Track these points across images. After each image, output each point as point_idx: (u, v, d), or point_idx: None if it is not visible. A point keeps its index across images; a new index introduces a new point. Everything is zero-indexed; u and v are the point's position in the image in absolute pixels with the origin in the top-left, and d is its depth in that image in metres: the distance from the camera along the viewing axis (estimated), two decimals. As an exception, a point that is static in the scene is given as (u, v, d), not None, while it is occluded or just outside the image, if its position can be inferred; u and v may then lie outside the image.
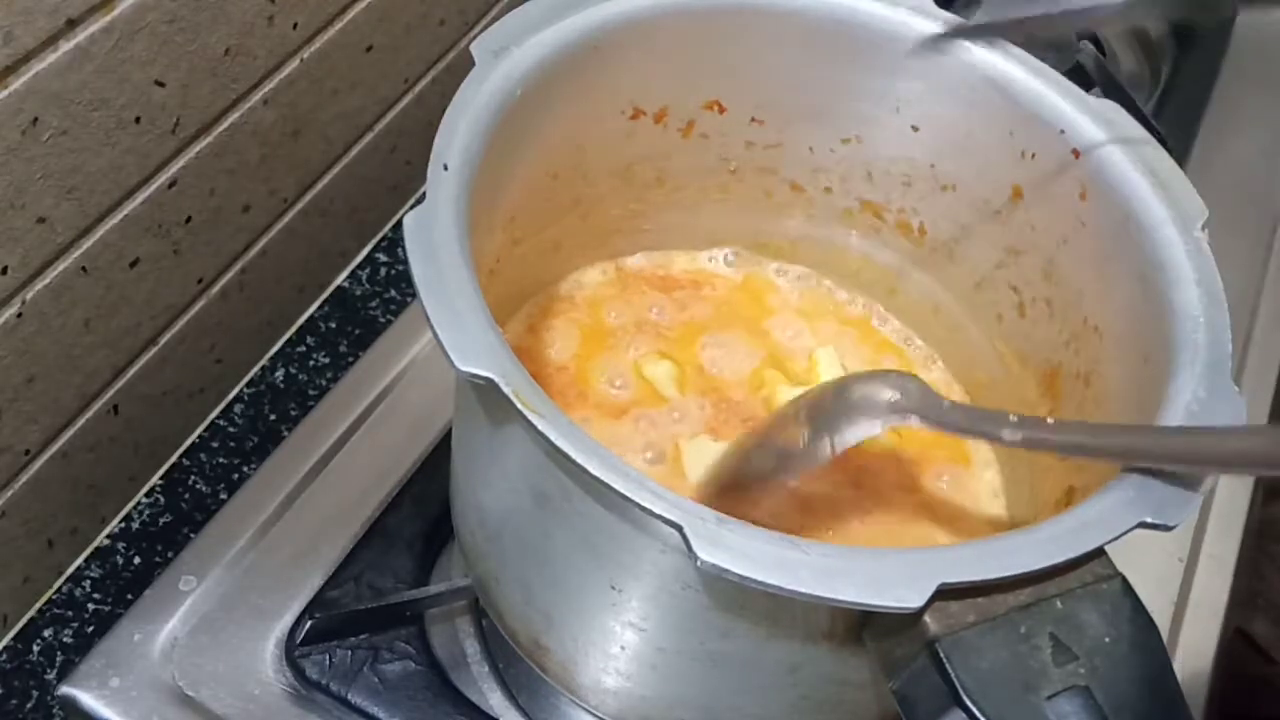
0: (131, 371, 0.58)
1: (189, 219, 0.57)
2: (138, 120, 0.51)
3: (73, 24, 0.46)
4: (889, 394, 0.41)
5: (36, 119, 0.46)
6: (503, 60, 0.43)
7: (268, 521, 0.56)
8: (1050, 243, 0.48)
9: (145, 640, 0.52)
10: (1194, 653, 0.58)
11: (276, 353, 0.68)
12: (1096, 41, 0.82)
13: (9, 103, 0.45)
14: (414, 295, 0.36)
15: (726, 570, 0.32)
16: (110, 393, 0.57)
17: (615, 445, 0.50)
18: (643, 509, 0.33)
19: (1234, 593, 0.61)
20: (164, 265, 0.57)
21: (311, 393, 0.67)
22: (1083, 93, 0.47)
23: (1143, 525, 0.35)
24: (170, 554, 0.58)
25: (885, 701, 0.38)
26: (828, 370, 0.53)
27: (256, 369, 0.67)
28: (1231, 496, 0.64)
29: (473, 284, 0.37)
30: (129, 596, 0.58)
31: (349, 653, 0.52)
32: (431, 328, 0.35)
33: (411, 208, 0.38)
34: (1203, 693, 0.57)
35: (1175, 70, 0.85)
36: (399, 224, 0.35)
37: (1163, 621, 0.58)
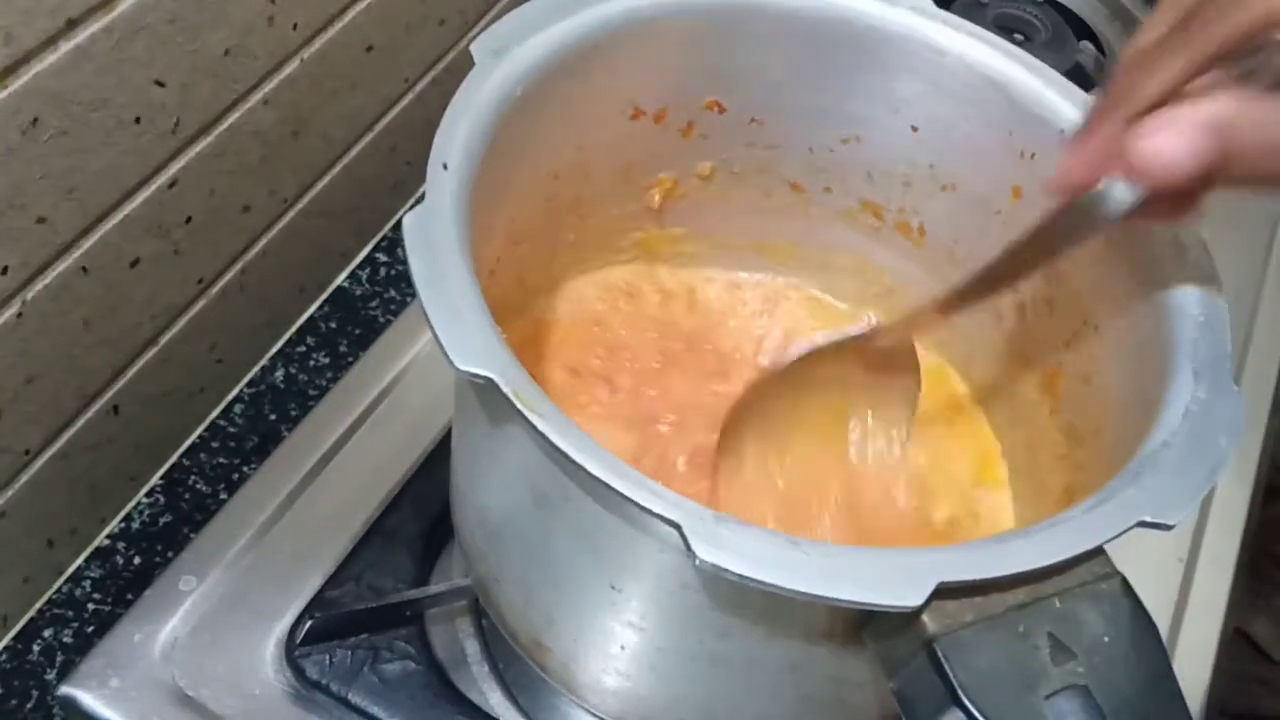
0: (132, 371, 0.58)
1: (189, 219, 0.57)
2: (138, 120, 0.51)
3: (73, 24, 0.46)
4: None
5: (36, 119, 0.46)
6: (503, 60, 0.43)
7: (268, 521, 0.56)
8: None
9: (145, 640, 0.52)
10: (1194, 653, 0.58)
11: (277, 353, 0.68)
12: (1096, 41, 0.82)
13: (9, 103, 0.45)
14: (414, 295, 0.36)
15: (725, 569, 0.32)
16: (110, 393, 0.57)
17: (613, 444, 0.50)
18: (641, 508, 0.33)
19: (1234, 593, 0.61)
20: (164, 265, 0.57)
21: (312, 393, 0.67)
22: (1083, 93, 0.47)
23: (1142, 525, 0.35)
24: (170, 554, 0.58)
25: (885, 701, 0.38)
26: None
27: (257, 369, 0.67)
28: (1231, 497, 0.64)
29: (472, 283, 0.37)
30: (129, 596, 0.58)
31: (349, 653, 0.52)
32: (431, 327, 0.35)
33: (411, 208, 0.38)
34: (1203, 693, 0.57)
35: (1175, 70, 0.85)
36: (399, 224, 0.35)
37: (1163, 622, 0.58)
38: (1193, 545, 0.62)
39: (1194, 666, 0.58)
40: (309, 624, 0.53)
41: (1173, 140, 0.33)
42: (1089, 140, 0.37)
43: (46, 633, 0.57)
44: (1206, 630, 0.59)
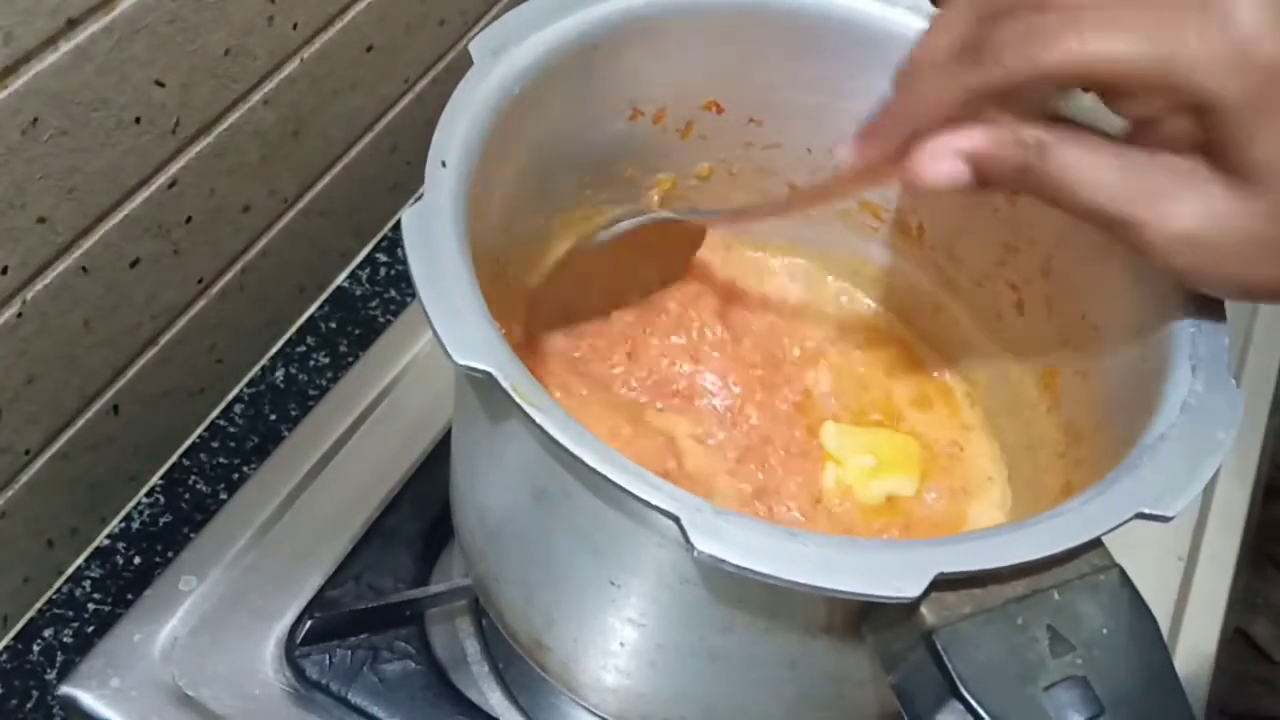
0: (131, 371, 0.58)
1: (189, 219, 0.57)
2: (138, 120, 0.51)
3: (73, 24, 0.46)
4: None
5: (36, 119, 0.46)
6: (501, 59, 0.43)
7: (268, 521, 0.56)
8: (1048, 240, 0.48)
9: (145, 640, 0.52)
10: (1194, 653, 0.58)
11: (277, 352, 0.68)
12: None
13: (9, 103, 0.45)
14: (414, 295, 0.36)
15: (724, 561, 0.32)
16: (110, 393, 0.57)
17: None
18: (640, 500, 0.33)
19: (1233, 593, 0.61)
20: (164, 265, 0.57)
21: (312, 393, 0.67)
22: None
23: (1140, 516, 0.35)
24: (170, 554, 0.58)
25: (884, 697, 0.38)
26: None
27: (257, 369, 0.68)
28: (1231, 496, 0.64)
29: (471, 280, 0.37)
30: (129, 596, 0.58)
31: (349, 652, 0.52)
32: (430, 322, 0.35)
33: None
34: (1202, 693, 0.57)
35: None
36: (399, 224, 0.35)
37: (1163, 621, 0.58)
38: (1193, 544, 0.62)
39: (1194, 666, 0.58)
40: (309, 624, 0.53)
41: (936, 167, 0.38)
42: (874, 141, 0.41)
43: (46, 633, 0.57)
44: (1206, 629, 0.59)
